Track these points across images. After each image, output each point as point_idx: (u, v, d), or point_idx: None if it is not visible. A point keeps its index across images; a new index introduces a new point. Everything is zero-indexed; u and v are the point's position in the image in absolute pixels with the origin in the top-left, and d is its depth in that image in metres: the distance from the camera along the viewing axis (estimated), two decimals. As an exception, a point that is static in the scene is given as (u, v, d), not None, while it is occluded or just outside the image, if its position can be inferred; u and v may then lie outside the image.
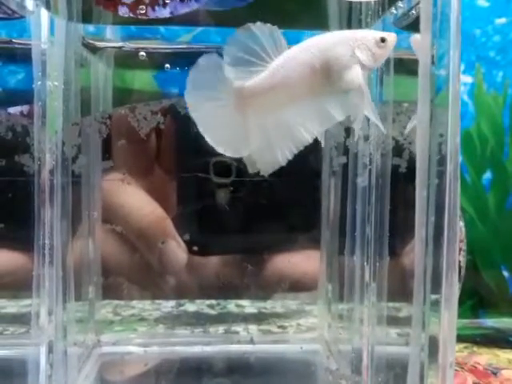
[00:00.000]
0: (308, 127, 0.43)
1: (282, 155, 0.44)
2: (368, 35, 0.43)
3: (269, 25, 0.42)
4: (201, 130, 0.45)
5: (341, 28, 0.56)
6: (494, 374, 0.65)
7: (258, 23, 0.42)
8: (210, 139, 0.45)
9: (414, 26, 0.46)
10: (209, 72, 0.43)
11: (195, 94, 0.44)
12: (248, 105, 0.43)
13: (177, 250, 0.66)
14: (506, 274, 0.85)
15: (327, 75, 0.42)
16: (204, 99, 0.44)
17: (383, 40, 0.43)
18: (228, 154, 0.46)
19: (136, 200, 0.65)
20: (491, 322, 0.84)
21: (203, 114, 0.45)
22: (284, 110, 0.43)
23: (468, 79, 0.83)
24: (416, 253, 0.41)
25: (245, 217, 0.68)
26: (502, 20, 0.82)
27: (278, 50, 0.42)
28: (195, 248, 0.67)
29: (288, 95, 0.43)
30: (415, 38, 0.48)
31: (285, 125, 0.44)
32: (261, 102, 0.43)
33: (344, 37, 0.43)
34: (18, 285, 0.56)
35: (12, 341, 0.59)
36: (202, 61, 0.43)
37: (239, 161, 0.64)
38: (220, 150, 0.46)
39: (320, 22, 0.43)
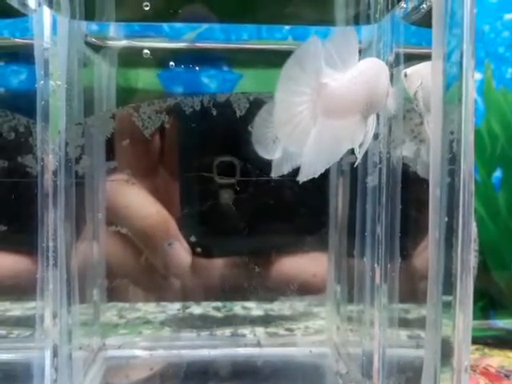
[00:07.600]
0: (341, 145, 0.44)
1: (321, 167, 0.44)
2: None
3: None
4: (277, 121, 0.43)
5: (347, 24, 0.55)
6: (507, 376, 0.64)
7: (352, 28, 0.42)
8: (281, 134, 0.44)
9: (424, 21, 0.45)
10: (309, 59, 0.41)
11: (292, 75, 0.42)
12: (323, 106, 0.43)
13: (180, 251, 0.65)
14: (516, 274, 0.83)
15: (376, 98, 0.45)
16: (293, 90, 0.42)
17: None
18: (289, 147, 0.46)
19: (140, 201, 0.64)
20: (502, 324, 0.82)
21: (286, 106, 0.42)
22: (339, 121, 0.44)
23: (477, 76, 0.82)
24: (430, 254, 0.40)
25: (251, 218, 0.67)
26: (511, 15, 0.81)
27: (354, 60, 0.44)
28: (199, 249, 0.66)
29: (349, 108, 0.44)
30: (404, 72, 0.49)
31: (334, 137, 0.44)
32: (331, 107, 0.43)
33: (384, 66, 0.46)
34: (22, 287, 0.55)
35: (17, 344, 0.59)
36: (311, 41, 0.41)
37: (244, 161, 0.64)
38: (285, 143, 0.45)
39: (326, 18, 0.42)
